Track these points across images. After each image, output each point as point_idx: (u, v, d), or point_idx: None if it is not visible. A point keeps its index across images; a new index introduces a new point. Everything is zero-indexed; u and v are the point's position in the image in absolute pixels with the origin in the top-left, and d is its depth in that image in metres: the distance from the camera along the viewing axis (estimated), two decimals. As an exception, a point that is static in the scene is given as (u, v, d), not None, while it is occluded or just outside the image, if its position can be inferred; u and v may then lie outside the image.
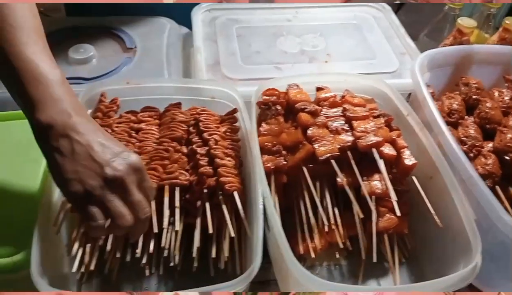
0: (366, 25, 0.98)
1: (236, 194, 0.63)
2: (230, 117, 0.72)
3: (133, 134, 0.70)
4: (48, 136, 0.49)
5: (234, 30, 0.95)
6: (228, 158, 0.66)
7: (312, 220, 0.66)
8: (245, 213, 0.62)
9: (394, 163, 0.70)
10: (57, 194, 0.60)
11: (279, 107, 0.71)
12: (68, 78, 0.54)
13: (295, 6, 1.02)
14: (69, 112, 0.51)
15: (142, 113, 0.73)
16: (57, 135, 0.49)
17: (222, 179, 0.63)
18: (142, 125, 0.71)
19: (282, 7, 1.02)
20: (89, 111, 0.72)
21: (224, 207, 0.62)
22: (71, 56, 0.85)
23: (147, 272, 0.63)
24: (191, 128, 0.70)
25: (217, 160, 0.65)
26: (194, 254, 0.61)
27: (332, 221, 0.65)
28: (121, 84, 0.74)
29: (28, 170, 0.64)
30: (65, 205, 0.58)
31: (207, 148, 0.67)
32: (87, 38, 0.92)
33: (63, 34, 0.93)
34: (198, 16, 0.96)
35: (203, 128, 0.69)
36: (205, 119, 0.71)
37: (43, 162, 0.65)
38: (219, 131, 0.70)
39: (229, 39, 0.93)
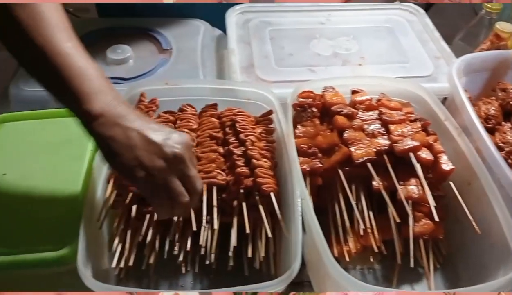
0: (400, 28, 0.97)
1: (272, 195, 0.63)
2: (265, 119, 0.73)
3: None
4: (101, 127, 0.50)
5: (267, 33, 0.96)
6: (264, 159, 0.67)
7: (347, 223, 0.66)
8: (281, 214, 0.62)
9: (430, 168, 0.70)
10: (100, 190, 0.62)
11: (315, 109, 0.72)
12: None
13: (328, 9, 1.02)
14: (115, 102, 0.52)
15: (179, 113, 0.74)
16: (109, 125, 0.50)
17: (259, 179, 0.64)
18: (180, 123, 0.72)
19: (314, 10, 1.03)
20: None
21: (260, 207, 0.62)
22: (109, 57, 0.87)
23: (183, 270, 0.64)
24: (227, 129, 0.71)
25: (254, 161, 0.66)
26: (230, 253, 0.61)
27: (368, 225, 0.65)
28: (159, 84, 0.75)
29: (70, 167, 0.66)
30: (108, 202, 0.60)
31: (243, 149, 0.67)
32: (123, 39, 0.93)
33: (98, 35, 0.95)
34: (232, 18, 0.97)
35: (240, 129, 0.70)
36: (242, 120, 0.71)
37: (85, 159, 0.67)
38: (255, 132, 0.70)
39: (262, 41, 0.93)
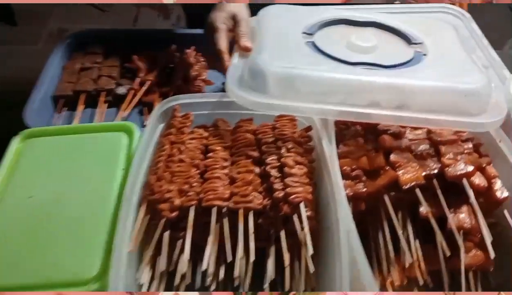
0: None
1: (302, 205, 0.59)
2: (304, 136, 0.69)
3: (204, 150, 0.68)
4: None
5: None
6: (299, 166, 0.63)
7: (391, 253, 0.61)
8: (317, 238, 0.59)
9: (483, 194, 0.64)
10: (132, 215, 0.58)
11: (359, 127, 0.67)
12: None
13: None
14: None
15: (212, 129, 0.70)
16: None
17: (289, 189, 0.60)
18: (212, 140, 0.69)
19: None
20: (161, 126, 0.70)
21: (299, 232, 0.58)
22: (355, 43, 0.74)
23: (215, 300, 0.60)
24: (264, 147, 0.67)
25: (286, 169, 0.62)
26: (266, 286, 0.58)
27: (415, 257, 0.61)
28: (194, 98, 0.71)
29: (100, 189, 0.63)
30: (141, 228, 0.56)
31: (279, 164, 0.63)
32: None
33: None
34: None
35: (278, 136, 0.66)
36: (280, 135, 0.67)
37: (116, 180, 0.63)
38: (294, 136, 0.67)
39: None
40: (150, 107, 0.89)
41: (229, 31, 0.82)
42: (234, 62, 0.74)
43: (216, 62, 0.82)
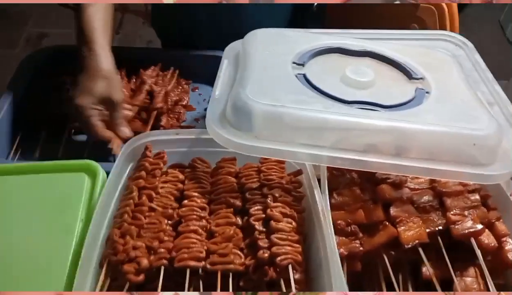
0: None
1: (290, 268, 0.52)
2: (293, 181, 0.61)
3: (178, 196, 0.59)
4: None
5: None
6: (287, 219, 0.56)
7: (392, 321, 0.54)
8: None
9: (491, 254, 0.57)
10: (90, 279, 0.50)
11: (354, 175, 0.60)
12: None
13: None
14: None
15: (189, 170, 0.62)
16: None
17: (275, 249, 0.52)
18: (189, 184, 0.60)
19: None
20: (130, 165, 0.62)
21: (288, 304, 0.50)
22: (350, 77, 0.67)
23: None
24: (247, 194, 0.59)
25: (272, 223, 0.54)
26: None
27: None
28: (168, 134, 0.63)
29: (57, 242, 0.54)
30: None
31: (265, 218, 0.56)
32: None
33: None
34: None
35: (264, 181, 0.59)
36: (266, 178, 0.60)
37: (74, 232, 0.55)
38: (282, 182, 0.59)
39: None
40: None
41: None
42: (216, 95, 0.66)
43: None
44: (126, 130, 0.72)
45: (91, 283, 0.50)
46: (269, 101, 0.59)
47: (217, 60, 0.74)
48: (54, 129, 0.81)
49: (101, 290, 0.49)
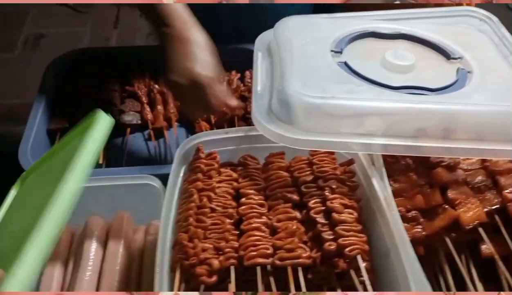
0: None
1: (360, 258, 0.52)
2: (347, 171, 0.61)
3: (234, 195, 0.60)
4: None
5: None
6: (348, 210, 0.56)
7: (457, 301, 0.55)
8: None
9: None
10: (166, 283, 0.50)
11: (409, 160, 0.60)
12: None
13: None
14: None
15: (241, 168, 0.62)
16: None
17: (342, 240, 0.53)
18: (243, 182, 0.61)
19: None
20: (184, 167, 0.62)
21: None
22: (390, 61, 0.66)
23: None
24: (303, 188, 0.59)
25: (334, 215, 0.55)
26: None
27: (483, 304, 0.54)
28: (218, 134, 0.63)
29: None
30: None
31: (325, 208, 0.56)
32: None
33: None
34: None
35: (318, 174, 0.59)
36: (320, 170, 0.60)
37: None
38: (335, 174, 0.60)
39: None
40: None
41: None
42: (258, 91, 0.66)
43: None
44: (235, 100, 0.72)
45: (167, 288, 0.50)
46: (318, 93, 0.59)
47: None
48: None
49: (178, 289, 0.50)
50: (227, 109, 0.73)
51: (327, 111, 0.58)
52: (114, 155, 0.79)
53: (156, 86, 0.87)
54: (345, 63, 0.66)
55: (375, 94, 0.60)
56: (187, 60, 0.68)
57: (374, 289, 0.52)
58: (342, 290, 0.53)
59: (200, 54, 0.70)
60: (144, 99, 0.85)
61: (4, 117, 1.95)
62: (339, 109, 0.58)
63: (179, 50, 0.70)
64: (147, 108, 0.83)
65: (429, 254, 0.57)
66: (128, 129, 0.81)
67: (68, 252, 0.64)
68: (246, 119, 0.84)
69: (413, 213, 0.57)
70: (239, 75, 0.93)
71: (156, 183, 0.64)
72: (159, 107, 0.84)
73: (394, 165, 0.60)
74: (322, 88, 0.60)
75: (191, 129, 0.84)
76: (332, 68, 0.65)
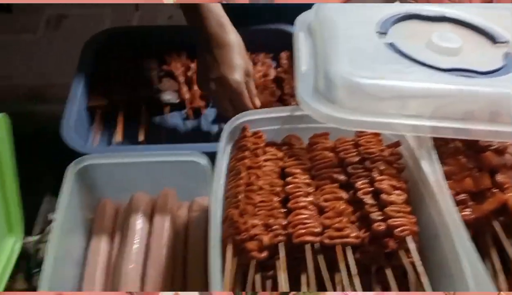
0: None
1: (410, 240, 0.53)
2: (393, 153, 0.61)
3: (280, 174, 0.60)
4: None
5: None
6: (397, 192, 0.56)
7: (504, 284, 0.55)
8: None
9: None
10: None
11: (459, 143, 0.60)
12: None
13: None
14: None
15: (285, 147, 0.63)
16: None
17: (391, 221, 0.53)
18: (289, 161, 0.61)
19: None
20: (229, 146, 0.62)
21: (410, 274, 0.51)
22: (437, 43, 0.65)
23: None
24: (349, 169, 0.59)
25: (383, 196, 0.55)
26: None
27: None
28: (262, 114, 0.63)
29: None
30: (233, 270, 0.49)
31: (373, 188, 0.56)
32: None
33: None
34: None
35: (364, 155, 0.59)
36: (367, 151, 0.60)
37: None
38: (383, 155, 0.59)
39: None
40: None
41: None
42: (302, 70, 0.65)
43: None
44: (258, 101, 0.74)
45: (219, 262, 0.51)
46: (367, 74, 0.58)
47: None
48: (129, 112, 0.81)
49: (231, 268, 0.50)
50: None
51: (376, 92, 0.58)
52: (152, 132, 0.80)
53: (192, 65, 0.87)
54: (392, 44, 0.66)
55: (426, 76, 0.59)
56: (224, 68, 0.71)
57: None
58: (392, 270, 0.53)
59: (236, 60, 0.72)
60: (181, 79, 0.85)
61: (25, 98, 1.97)
62: (389, 90, 0.58)
63: (216, 56, 0.72)
64: (185, 88, 0.84)
65: (477, 237, 0.57)
66: (167, 108, 0.81)
67: (113, 226, 0.65)
68: (283, 101, 0.84)
69: (462, 196, 0.57)
70: (271, 56, 0.93)
71: (202, 160, 0.64)
72: (196, 87, 0.84)
73: (442, 147, 0.60)
74: (371, 68, 0.60)
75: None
76: (379, 49, 0.65)
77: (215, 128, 0.83)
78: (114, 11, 2.40)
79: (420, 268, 0.50)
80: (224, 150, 0.60)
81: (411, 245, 0.52)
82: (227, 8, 0.90)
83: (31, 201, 0.83)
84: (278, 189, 0.58)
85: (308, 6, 0.76)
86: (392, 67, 0.61)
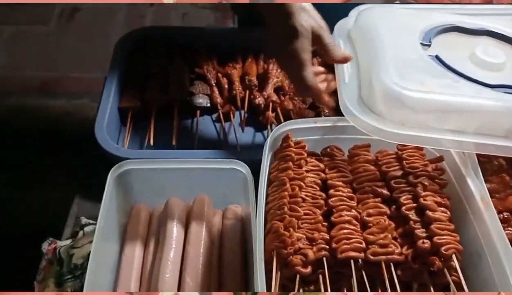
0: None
1: (455, 258, 0.52)
2: (436, 169, 0.60)
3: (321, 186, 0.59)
4: None
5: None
6: (442, 209, 0.55)
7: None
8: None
9: None
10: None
11: (503, 161, 0.59)
12: None
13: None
14: None
15: (327, 159, 0.62)
16: None
17: (437, 239, 0.52)
18: (330, 174, 0.60)
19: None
20: (270, 154, 0.61)
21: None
22: (481, 57, 0.65)
23: None
24: (393, 183, 0.59)
25: (429, 213, 0.54)
26: None
27: None
28: (306, 123, 0.62)
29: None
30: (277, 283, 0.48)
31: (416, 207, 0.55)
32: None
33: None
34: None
35: (408, 169, 0.58)
36: (411, 166, 0.59)
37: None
38: (426, 171, 0.58)
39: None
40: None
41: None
42: (346, 80, 0.65)
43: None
44: (345, 53, 0.69)
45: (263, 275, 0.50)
46: (417, 87, 0.58)
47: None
48: (160, 114, 0.80)
49: (275, 282, 0.50)
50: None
51: (425, 106, 0.57)
52: (184, 135, 0.79)
53: (222, 69, 0.87)
54: (437, 57, 0.65)
55: (474, 92, 0.58)
56: (299, 70, 0.66)
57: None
58: (434, 288, 0.52)
59: (305, 60, 0.66)
60: (213, 82, 0.84)
61: (38, 90, 1.96)
62: (438, 105, 0.57)
63: (290, 62, 0.67)
64: (216, 92, 0.83)
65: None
66: (198, 112, 0.81)
67: (147, 231, 0.64)
68: (315, 108, 0.83)
69: (505, 215, 0.56)
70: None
71: (242, 168, 0.63)
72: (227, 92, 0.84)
73: (486, 164, 0.59)
74: (420, 81, 0.59)
75: (257, 113, 0.83)
76: (425, 60, 0.64)
77: (245, 133, 0.82)
78: (127, 6, 2.38)
79: (466, 287, 0.50)
80: (267, 159, 0.60)
81: (456, 264, 0.51)
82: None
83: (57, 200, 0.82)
84: (321, 201, 0.57)
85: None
86: (440, 81, 0.60)
